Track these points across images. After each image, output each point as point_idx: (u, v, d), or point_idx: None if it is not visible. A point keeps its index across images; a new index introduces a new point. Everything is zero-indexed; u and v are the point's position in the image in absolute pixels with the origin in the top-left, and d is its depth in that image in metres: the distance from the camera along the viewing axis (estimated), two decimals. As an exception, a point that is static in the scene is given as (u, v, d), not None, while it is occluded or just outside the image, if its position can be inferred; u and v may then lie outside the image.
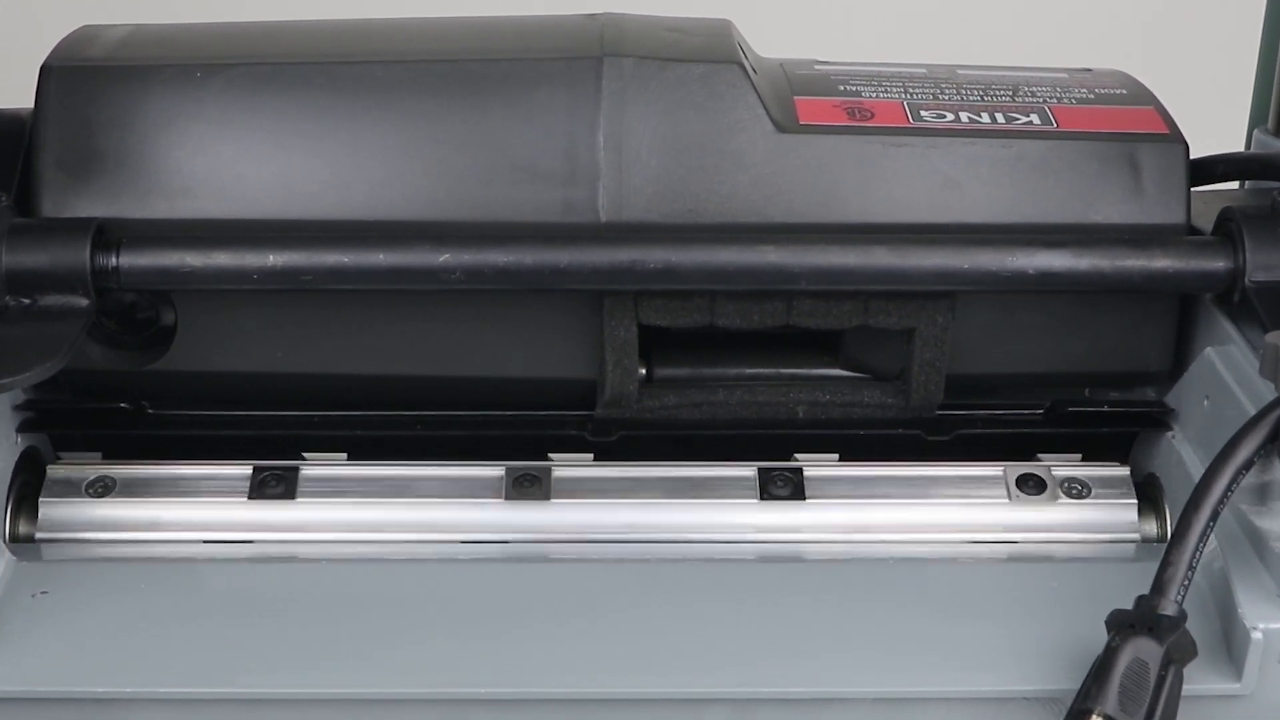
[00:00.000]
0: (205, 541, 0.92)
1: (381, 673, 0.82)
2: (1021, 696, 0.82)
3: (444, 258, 0.90)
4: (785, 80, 1.00)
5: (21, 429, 0.94)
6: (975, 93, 1.00)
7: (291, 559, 0.92)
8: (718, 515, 0.94)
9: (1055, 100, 1.00)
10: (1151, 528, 0.95)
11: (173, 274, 0.90)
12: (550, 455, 0.96)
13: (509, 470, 0.94)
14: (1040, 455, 0.97)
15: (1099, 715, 0.76)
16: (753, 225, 0.94)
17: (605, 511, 0.94)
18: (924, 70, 1.04)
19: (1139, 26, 2.20)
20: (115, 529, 0.93)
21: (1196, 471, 0.88)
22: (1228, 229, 0.93)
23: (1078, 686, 0.78)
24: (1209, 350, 0.93)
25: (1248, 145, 1.16)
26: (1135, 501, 0.95)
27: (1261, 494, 0.84)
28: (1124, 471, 0.96)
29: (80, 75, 0.94)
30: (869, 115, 0.97)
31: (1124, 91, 1.02)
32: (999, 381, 0.99)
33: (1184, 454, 0.93)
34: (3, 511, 0.91)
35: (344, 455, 0.96)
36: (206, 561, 0.90)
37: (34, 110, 0.94)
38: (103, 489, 0.93)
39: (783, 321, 0.94)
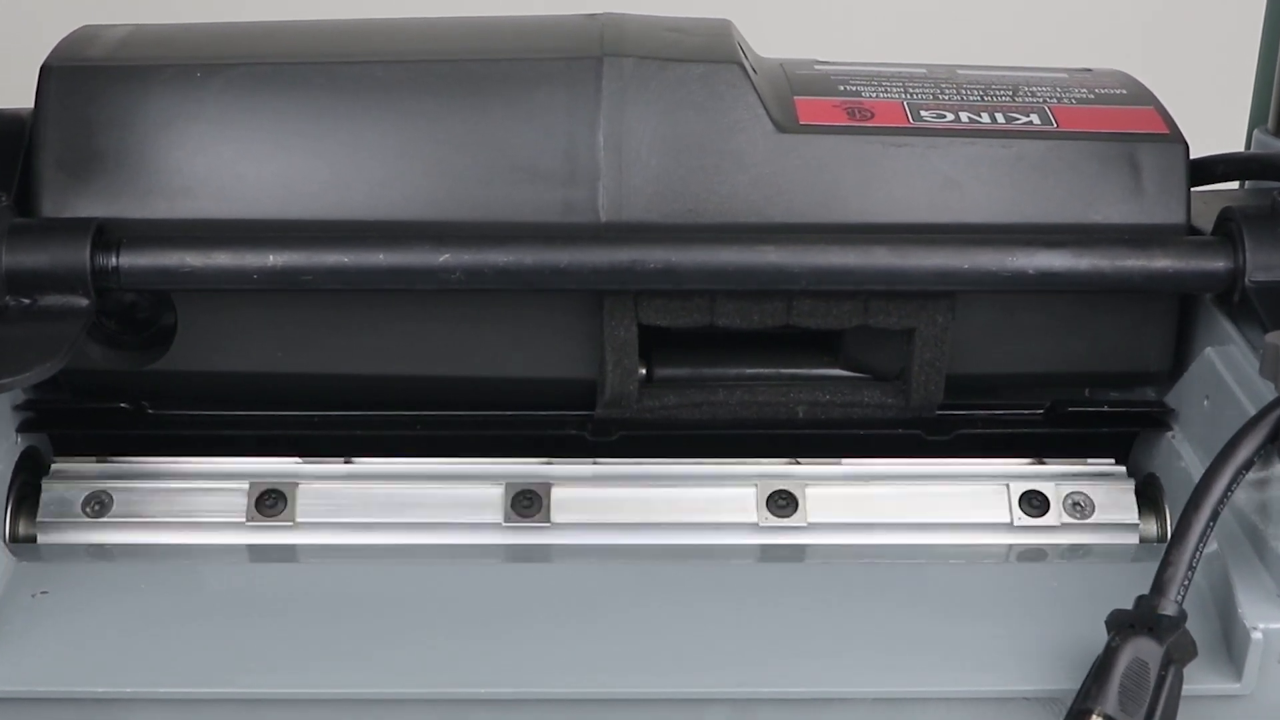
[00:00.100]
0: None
1: (381, 673, 0.82)
2: (1021, 696, 0.82)
3: (444, 258, 0.90)
4: (785, 80, 1.00)
5: (21, 429, 0.94)
6: (975, 93, 1.00)
7: (291, 559, 0.92)
8: (718, 539, 0.94)
9: (1055, 100, 1.00)
10: (1151, 528, 0.95)
11: (173, 274, 0.90)
12: (550, 461, 0.96)
13: (508, 487, 0.94)
14: (1046, 459, 0.97)
15: (1099, 715, 0.76)
16: (753, 225, 0.94)
17: (605, 536, 0.94)
18: (924, 70, 1.04)
19: (1139, 26, 2.20)
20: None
21: (1196, 471, 0.88)
22: (1228, 229, 0.93)
23: (1078, 686, 0.78)
24: (1209, 350, 0.93)
25: (1248, 145, 1.16)
26: (1138, 522, 0.95)
27: (1261, 494, 0.84)
28: (1129, 491, 0.95)
29: (80, 75, 0.94)
30: (869, 115, 0.97)
31: (1124, 91, 1.02)
32: (999, 381, 0.99)
33: (1184, 454, 0.93)
34: (3, 511, 0.91)
35: (342, 462, 0.96)
36: (206, 561, 0.90)
37: (34, 110, 0.94)
38: (99, 507, 0.93)
39: (783, 321, 0.94)
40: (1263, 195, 1.02)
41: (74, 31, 0.99)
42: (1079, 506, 0.95)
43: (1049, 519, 0.94)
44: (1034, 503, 0.95)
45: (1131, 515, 0.95)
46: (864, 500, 0.95)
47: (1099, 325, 0.96)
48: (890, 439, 0.98)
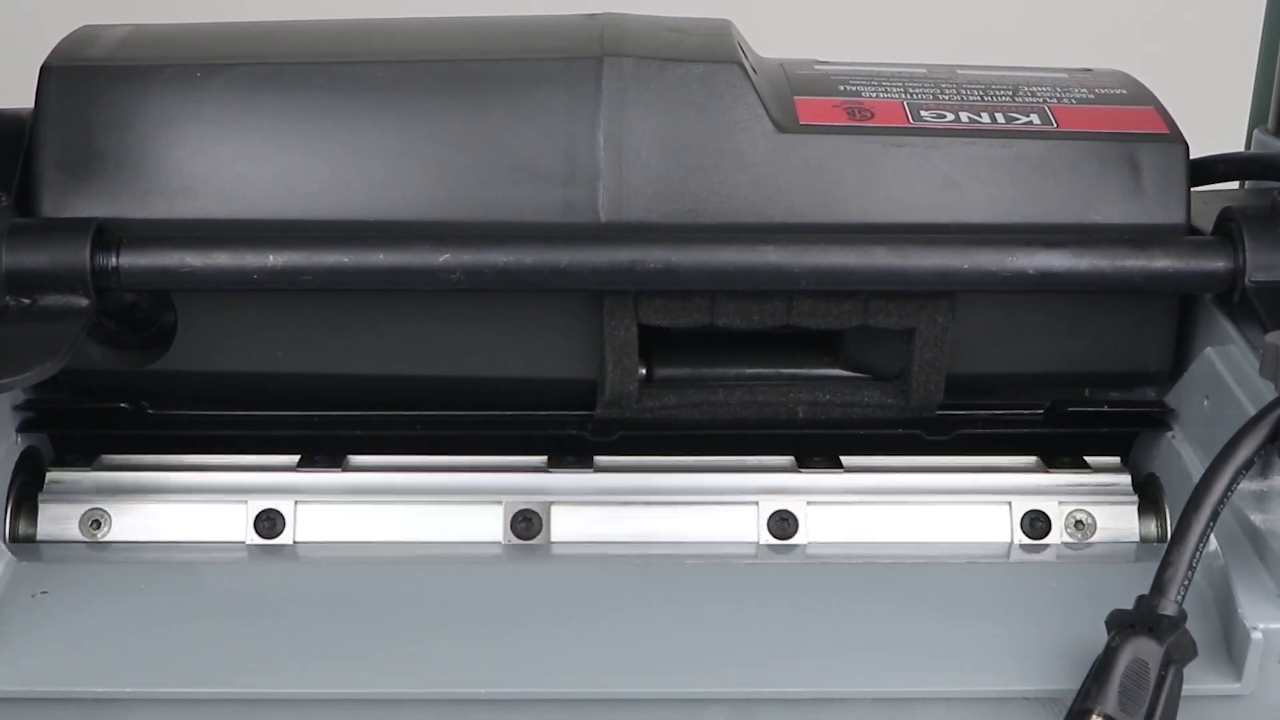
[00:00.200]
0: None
1: (381, 673, 0.82)
2: (1021, 696, 0.82)
3: (444, 258, 0.90)
4: (785, 80, 1.00)
5: (21, 429, 0.94)
6: (975, 93, 1.00)
7: (291, 559, 0.92)
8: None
9: (1055, 100, 1.00)
10: (1151, 528, 0.95)
11: (173, 274, 0.90)
12: (550, 470, 0.96)
13: (506, 508, 0.94)
14: (1050, 468, 0.97)
15: (1099, 715, 0.76)
16: (753, 225, 0.94)
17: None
18: (924, 70, 1.04)
19: (1139, 26, 2.20)
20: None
21: (1196, 471, 0.88)
22: (1228, 229, 0.93)
23: (1078, 686, 0.78)
24: (1209, 350, 0.93)
25: (1248, 145, 1.16)
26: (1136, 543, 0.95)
27: (1261, 494, 0.84)
28: (1132, 507, 0.95)
29: (80, 75, 0.94)
30: (869, 115, 0.97)
31: (1124, 91, 1.02)
32: (999, 381, 0.99)
33: (1184, 454, 0.93)
34: (3, 511, 0.91)
35: (339, 471, 0.96)
36: (206, 562, 0.90)
37: (34, 110, 0.94)
38: (95, 525, 0.93)
39: (783, 321, 0.94)
40: (1263, 195, 1.02)
41: (74, 31, 0.99)
42: (1081, 525, 0.94)
43: (1051, 538, 0.94)
44: (1036, 525, 0.94)
45: (1132, 526, 0.95)
46: (864, 522, 0.94)
47: (1099, 325, 0.96)
48: (890, 439, 0.98)
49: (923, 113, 0.98)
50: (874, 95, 0.99)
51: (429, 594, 0.86)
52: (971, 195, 0.95)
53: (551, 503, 0.94)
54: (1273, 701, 0.81)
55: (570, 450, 0.97)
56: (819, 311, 0.94)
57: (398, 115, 0.94)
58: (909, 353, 0.95)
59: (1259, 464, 0.82)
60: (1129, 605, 0.79)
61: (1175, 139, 0.97)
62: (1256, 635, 0.80)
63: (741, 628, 0.84)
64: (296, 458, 0.96)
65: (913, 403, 0.96)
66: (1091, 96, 1.01)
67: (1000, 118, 0.98)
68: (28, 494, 0.93)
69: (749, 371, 0.98)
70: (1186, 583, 0.79)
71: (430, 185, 0.94)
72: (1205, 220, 0.96)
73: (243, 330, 0.95)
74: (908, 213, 0.95)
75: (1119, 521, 0.95)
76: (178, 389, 0.97)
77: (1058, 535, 0.94)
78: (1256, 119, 1.18)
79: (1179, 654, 0.77)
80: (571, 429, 0.98)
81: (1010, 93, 1.00)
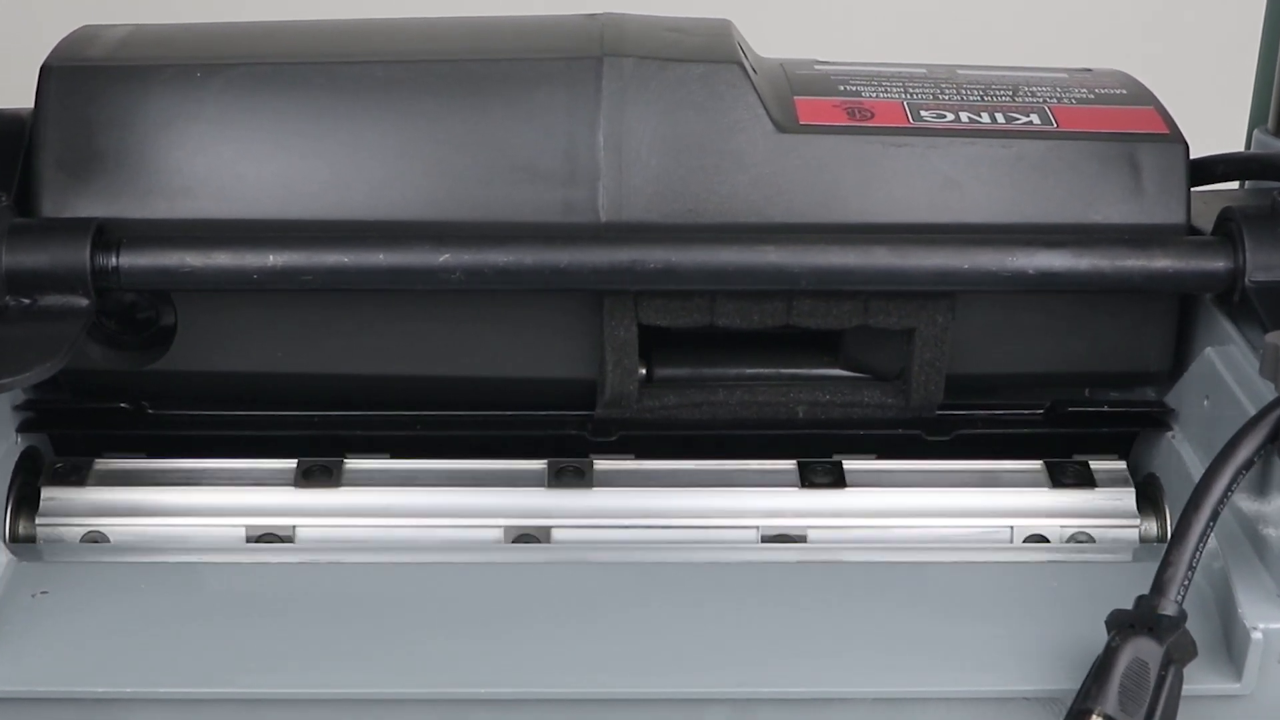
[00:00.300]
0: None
1: (381, 673, 0.82)
2: (1021, 696, 0.82)
3: (444, 258, 0.90)
4: (785, 80, 1.00)
5: (21, 429, 0.94)
6: (975, 93, 1.00)
7: (291, 560, 0.92)
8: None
9: (1055, 100, 1.00)
10: (1151, 528, 0.95)
11: (173, 274, 0.90)
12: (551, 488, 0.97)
13: (505, 534, 0.94)
14: (1055, 481, 0.96)
15: (1099, 715, 0.76)
16: (753, 225, 0.94)
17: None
18: (924, 70, 1.04)
19: (1139, 26, 2.20)
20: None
21: (1196, 471, 0.88)
22: (1228, 229, 0.93)
23: (1078, 686, 0.78)
24: (1209, 350, 0.93)
25: (1248, 145, 1.16)
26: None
27: (1261, 494, 0.84)
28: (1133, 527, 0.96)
29: (80, 75, 0.94)
30: (869, 115, 0.97)
31: (1124, 91, 1.02)
32: (999, 381, 0.99)
33: (1184, 454, 0.93)
34: (3, 511, 0.91)
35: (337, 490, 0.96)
36: (206, 562, 0.90)
37: (34, 110, 0.94)
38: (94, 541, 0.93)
39: (783, 321, 0.94)
40: (1263, 195, 1.02)
41: (74, 31, 0.99)
42: (1081, 542, 0.95)
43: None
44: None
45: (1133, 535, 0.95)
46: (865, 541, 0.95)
47: (1099, 325, 0.96)
48: (890, 439, 0.98)
49: (923, 113, 0.98)
50: (874, 95, 0.99)
51: (429, 594, 0.86)
52: (971, 195, 0.95)
53: (551, 527, 0.94)
54: (1273, 701, 0.81)
55: (571, 451, 0.97)
56: (819, 311, 0.94)
57: (398, 115, 0.94)
58: (909, 353, 0.95)
59: (1259, 464, 0.82)
60: (1129, 605, 0.79)
61: (1175, 139, 0.97)
62: (1256, 635, 0.80)
63: (741, 628, 0.84)
64: (294, 465, 0.95)
65: (913, 403, 0.96)
66: (1091, 96, 1.01)
67: (1000, 118, 0.98)
68: (28, 494, 0.93)
69: (749, 371, 0.98)
70: (1186, 583, 0.79)
71: (430, 185, 0.94)
72: (1205, 220, 0.96)
73: (243, 330, 0.95)
74: (908, 213, 0.95)
75: (1120, 533, 0.95)
76: (178, 389, 0.97)
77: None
78: (1256, 119, 1.18)
79: (1179, 654, 0.77)
80: (571, 429, 0.97)
81: (1010, 93, 1.00)
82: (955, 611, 0.85)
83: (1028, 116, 0.98)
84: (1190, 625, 0.78)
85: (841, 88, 1.00)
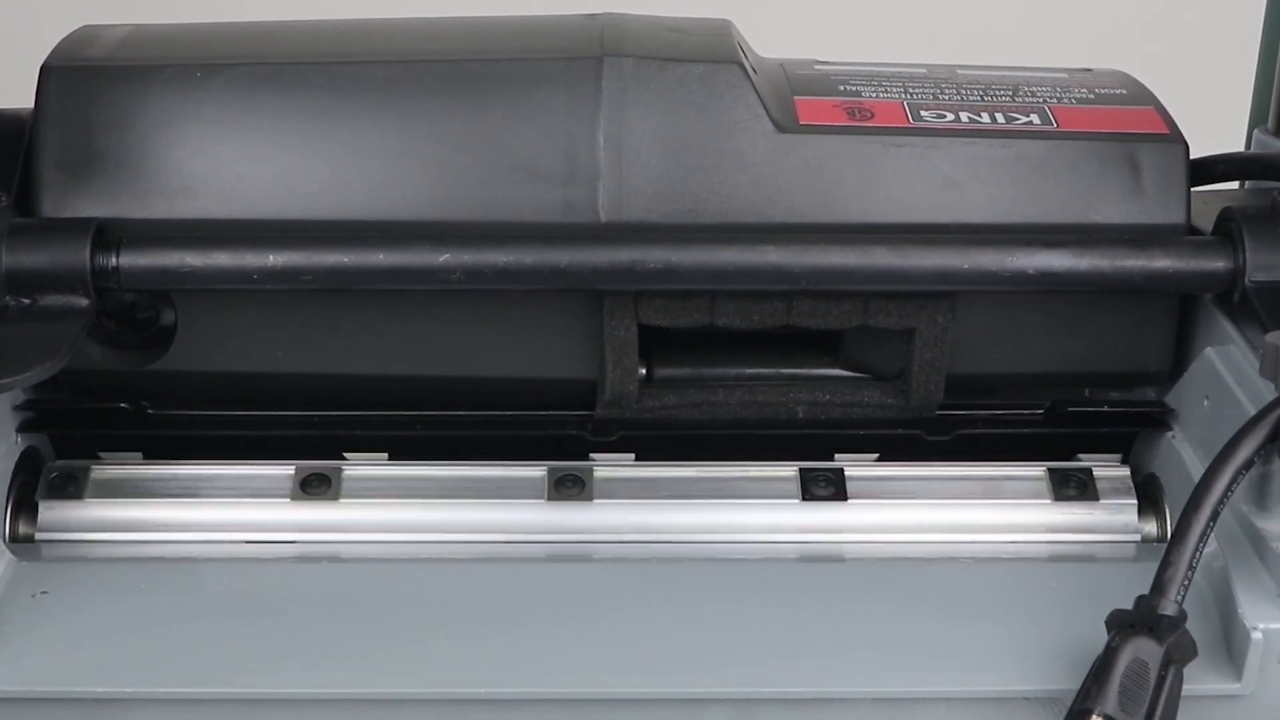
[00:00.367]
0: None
1: (381, 673, 0.82)
2: (1021, 696, 0.82)
3: (444, 258, 0.90)
4: (785, 80, 1.00)
5: (21, 429, 0.94)
6: (975, 93, 1.00)
7: (291, 559, 0.92)
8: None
9: (1055, 100, 1.00)
10: (1151, 528, 0.95)
11: (173, 274, 0.90)
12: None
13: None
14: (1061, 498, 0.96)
15: (1099, 715, 0.76)
16: (753, 225, 0.94)
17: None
18: (924, 70, 1.04)
19: (1139, 26, 2.20)
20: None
21: (1196, 471, 0.88)
22: (1228, 229, 0.93)
23: (1078, 686, 0.78)
24: (1209, 350, 0.93)
25: (1248, 145, 1.16)
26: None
27: (1261, 494, 0.84)
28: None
29: (80, 75, 0.94)
30: (869, 115, 0.97)
31: (1124, 91, 1.02)
32: (999, 381, 0.99)
33: (1184, 454, 0.93)
34: (3, 511, 0.91)
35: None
36: (206, 561, 0.90)
37: (34, 110, 0.94)
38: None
39: (783, 321, 0.94)
40: (1263, 195, 1.02)
41: (74, 31, 0.99)
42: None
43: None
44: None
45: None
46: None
47: (1099, 325, 0.96)
48: (890, 439, 0.98)
49: (923, 113, 0.98)
50: (874, 95, 0.99)
51: (429, 594, 0.86)
52: (971, 195, 0.95)
53: (550, 543, 0.94)
54: (1273, 701, 0.81)
55: (570, 451, 0.97)
56: (819, 311, 0.94)
57: (398, 115, 0.94)
58: (909, 353, 0.95)
59: (1259, 464, 0.82)
60: (1129, 605, 0.79)
61: (1175, 139, 0.97)
62: (1256, 635, 0.80)
63: (741, 628, 0.84)
64: (292, 472, 0.95)
65: (913, 403, 0.96)
66: (1091, 96, 1.01)
67: (1000, 118, 0.98)
68: (28, 494, 0.93)
69: (749, 371, 0.98)
70: (1186, 583, 0.79)
71: (430, 185, 0.94)
72: (1205, 220, 0.96)
73: (243, 330, 0.95)
74: (908, 213, 0.95)
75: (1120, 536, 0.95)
76: (178, 389, 0.97)
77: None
78: (1256, 119, 1.18)
79: (1179, 654, 0.77)
80: (571, 429, 0.97)
81: (1010, 93, 1.00)
82: (955, 611, 0.85)
83: (1028, 116, 0.98)
84: (1190, 625, 0.78)
85: (841, 88, 1.00)
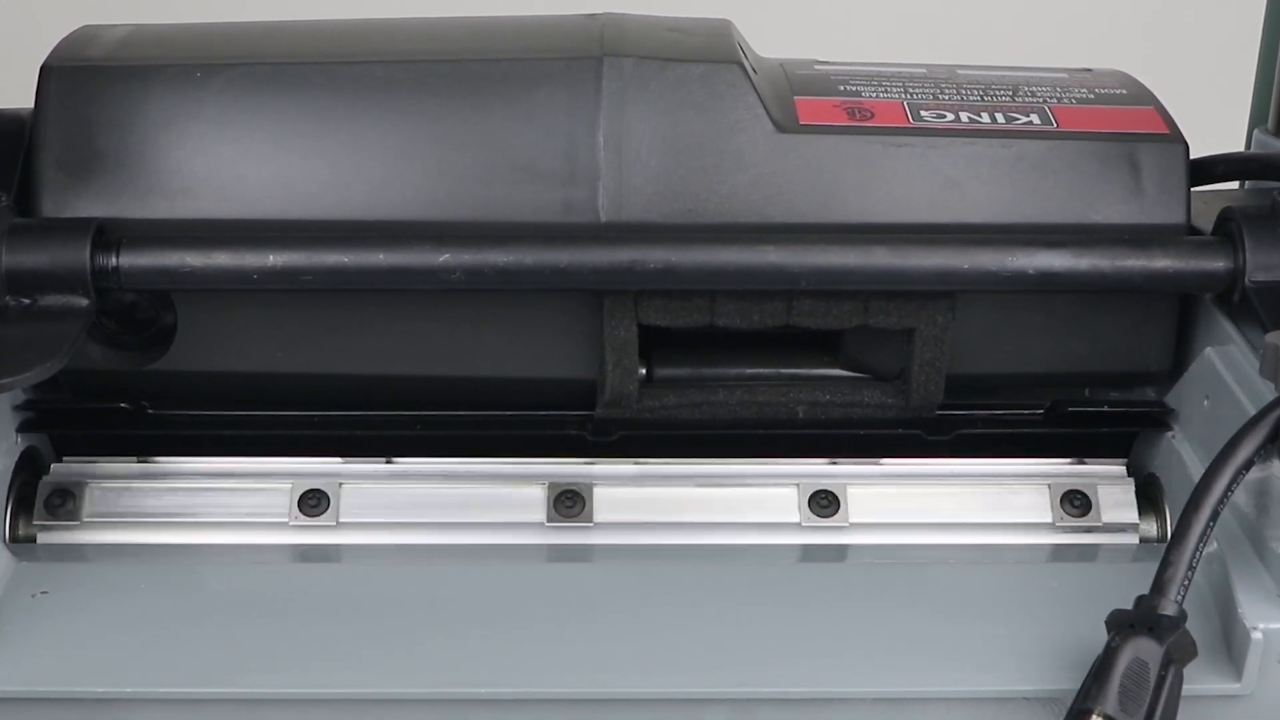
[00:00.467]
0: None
1: (381, 673, 0.82)
2: (1021, 696, 0.82)
3: (444, 258, 0.90)
4: (785, 80, 1.00)
5: (21, 429, 0.94)
6: (975, 93, 1.00)
7: (291, 559, 0.92)
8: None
9: (1055, 100, 1.00)
10: (1151, 528, 0.95)
11: (173, 274, 0.90)
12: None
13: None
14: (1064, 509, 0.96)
15: (1099, 715, 0.76)
16: (753, 225, 0.94)
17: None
18: (924, 70, 1.04)
19: (1139, 26, 2.20)
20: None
21: (1196, 471, 0.88)
22: (1228, 229, 0.93)
23: (1078, 686, 0.78)
24: (1209, 350, 0.93)
25: (1248, 145, 1.16)
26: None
27: (1261, 494, 0.84)
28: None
29: (80, 75, 0.94)
30: (869, 115, 0.97)
31: (1124, 91, 1.02)
32: (999, 381, 0.99)
33: (1184, 454, 0.93)
34: (3, 511, 0.91)
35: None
36: (206, 562, 0.90)
37: (34, 110, 0.94)
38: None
39: (783, 321, 0.94)
40: (1263, 195, 1.02)
41: (74, 31, 0.99)
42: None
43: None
44: None
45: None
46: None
47: (1099, 325, 0.96)
48: (890, 439, 0.98)
49: (923, 113, 0.98)
50: (874, 95, 0.99)
51: (428, 594, 0.86)
52: (971, 195, 0.95)
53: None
54: (1273, 701, 0.81)
55: (570, 451, 0.97)
56: (819, 311, 0.94)
57: (398, 115, 0.94)
58: (909, 353, 0.95)
59: (1259, 464, 0.82)
60: (1129, 605, 0.79)
61: (1175, 139, 0.97)
62: (1256, 635, 0.80)
63: (741, 628, 0.84)
64: (289, 491, 0.94)
65: (913, 403, 0.96)
66: (1091, 96, 1.01)
67: (1000, 118, 0.98)
68: (28, 494, 0.93)
69: (749, 371, 0.98)
70: (1186, 583, 0.79)
71: (430, 185, 0.94)
72: (1205, 220, 0.96)
73: (243, 330, 0.95)
74: (908, 213, 0.95)
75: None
76: (178, 389, 0.97)
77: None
78: (1256, 119, 1.18)
79: (1179, 654, 0.77)
80: (571, 429, 0.97)
81: (1010, 93, 1.00)
82: (955, 611, 0.85)
83: (1028, 116, 0.98)
84: (1190, 625, 0.78)
85: (841, 88, 1.00)
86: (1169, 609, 0.78)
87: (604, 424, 0.97)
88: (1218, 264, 0.92)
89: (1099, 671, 0.77)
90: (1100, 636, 0.79)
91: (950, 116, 0.97)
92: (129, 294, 0.93)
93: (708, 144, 0.94)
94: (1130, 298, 0.95)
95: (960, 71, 1.04)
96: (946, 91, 1.00)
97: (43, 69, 0.95)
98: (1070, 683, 0.79)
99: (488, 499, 0.94)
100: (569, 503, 0.94)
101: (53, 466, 0.95)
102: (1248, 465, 0.81)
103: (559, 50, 0.96)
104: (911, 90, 1.00)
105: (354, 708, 0.82)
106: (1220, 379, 0.91)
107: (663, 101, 0.94)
